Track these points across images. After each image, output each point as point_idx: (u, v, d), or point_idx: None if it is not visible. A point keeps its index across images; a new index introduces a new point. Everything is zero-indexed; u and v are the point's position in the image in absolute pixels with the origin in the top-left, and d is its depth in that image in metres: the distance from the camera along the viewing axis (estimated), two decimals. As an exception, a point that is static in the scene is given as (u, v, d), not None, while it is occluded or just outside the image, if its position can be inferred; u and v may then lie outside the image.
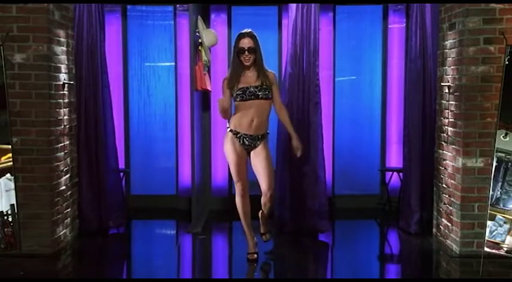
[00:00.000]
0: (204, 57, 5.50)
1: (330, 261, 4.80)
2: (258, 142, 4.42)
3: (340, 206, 6.14)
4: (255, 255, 4.48)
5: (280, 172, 5.22)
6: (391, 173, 6.02)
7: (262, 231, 4.70)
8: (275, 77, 4.50)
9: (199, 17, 5.56)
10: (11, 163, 4.09)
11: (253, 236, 4.55)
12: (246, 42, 4.35)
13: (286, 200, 5.23)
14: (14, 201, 4.07)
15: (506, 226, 4.02)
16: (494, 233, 4.04)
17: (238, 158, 4.41)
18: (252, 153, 4.45)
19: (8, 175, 4.08)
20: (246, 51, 4.34)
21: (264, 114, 4.40)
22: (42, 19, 4.43)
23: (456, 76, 4.62)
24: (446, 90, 4.82)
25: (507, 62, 4.02)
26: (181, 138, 6.21)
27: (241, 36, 4.39)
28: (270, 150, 4.51)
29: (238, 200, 4.49)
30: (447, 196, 4.78)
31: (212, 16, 6.16)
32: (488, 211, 4.05)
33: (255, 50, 4.36)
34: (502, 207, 4.05)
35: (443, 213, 4.86)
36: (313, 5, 5.14)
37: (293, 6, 5.15)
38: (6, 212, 4.05)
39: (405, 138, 5.47)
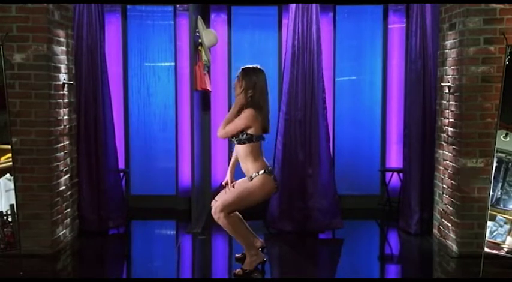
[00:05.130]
0: (204, 57, 5.50)
1: (330, 261, 4.80)
2: None
3: (340, 207, 6.12)
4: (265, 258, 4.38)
5: (288, 173, 5.25)
6: (391, 173, 6.02)
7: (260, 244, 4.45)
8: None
9: (199, 17, 5.55)
10: (11, 163, 4.08)
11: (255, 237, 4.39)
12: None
13: (295, 199, 5.27)
14: (13, 202, 4.06)
15: (507, 226, 4.02)
16: (494, 234, 4.04)
17: None
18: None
19: (8, 175, 4.07)
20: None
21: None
22: (41, 19, 4.42)
23: (456, 76, 4.62)
24: (447, 91, 4.81)
25: (507, 62, 4.01)
26: (181, 138, 6.20)
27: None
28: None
29: (233, 218, 4.20)
30: (447, 196, 4.77)
31: (212, 16, 6.16)
32: (489, 211, 4.05)
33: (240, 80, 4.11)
34: (503, 208, 4.05)
35: (444, 214, 4.85)
36: (313, 4, 5.14)
37: (293, 6, 5.15)
38: (6, 212, 4.04)
39: (405, 139, 5.47)
